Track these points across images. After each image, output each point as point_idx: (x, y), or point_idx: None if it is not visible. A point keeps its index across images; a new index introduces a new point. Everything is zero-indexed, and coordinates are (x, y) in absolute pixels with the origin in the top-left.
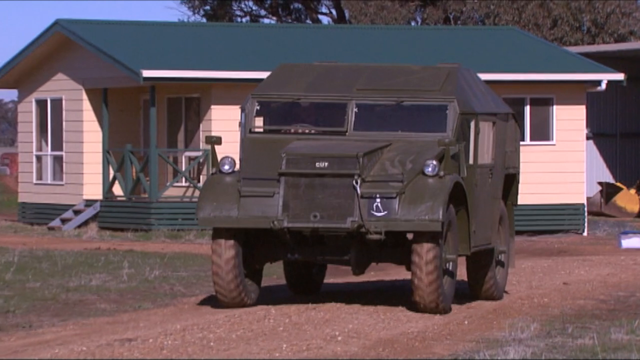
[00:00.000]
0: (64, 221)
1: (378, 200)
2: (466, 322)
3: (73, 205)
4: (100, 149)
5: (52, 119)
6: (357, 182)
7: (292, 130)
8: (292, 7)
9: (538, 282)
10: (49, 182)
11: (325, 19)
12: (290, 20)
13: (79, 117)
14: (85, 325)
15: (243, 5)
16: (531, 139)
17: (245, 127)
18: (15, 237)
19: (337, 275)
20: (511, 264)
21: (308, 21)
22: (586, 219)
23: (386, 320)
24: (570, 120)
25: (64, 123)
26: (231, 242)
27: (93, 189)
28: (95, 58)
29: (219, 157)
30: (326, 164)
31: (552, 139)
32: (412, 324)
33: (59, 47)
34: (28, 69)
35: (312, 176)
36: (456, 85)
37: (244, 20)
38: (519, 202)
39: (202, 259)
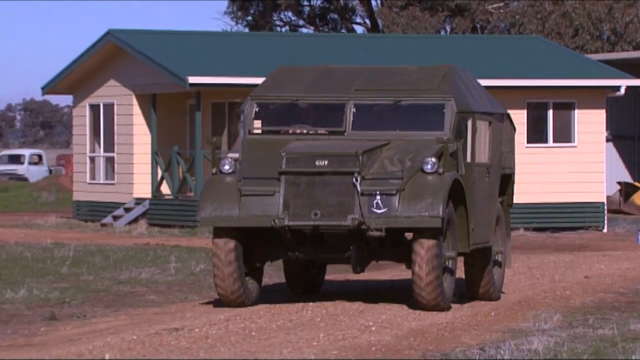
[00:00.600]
0: (115, 218)
1: (378, 197)
2: (492, 314)
3: (124, 204)
4: (149, 151)
5: (104, 122)
6: (357, 180)
7: (291, 131)
8: (328, 17)
9: (560, 275)
10: (101, 181)
11: (359, 29)
12: (326, 30)
13: (130, 120)
14: (136, 315)
15: (283, 16)
16: (554, 141)
17: (245, 129)
18: (70, 233)
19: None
20: (507, 263)
21: (343, 31)
22: (606, 217)
23: (417, 312)
24: (591, 124)
25: (115, 126)
26: (232, 241)
27: (142, 188)
28: (145, 65)
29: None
30: (326, 162)
31: (574, 141)
32: (442, 315)
33: (111, 56)
34: (82, 76)
35: (312, 174)
36: (453, 85)
37: (283, 29)
38: (542, 200)
39: None
